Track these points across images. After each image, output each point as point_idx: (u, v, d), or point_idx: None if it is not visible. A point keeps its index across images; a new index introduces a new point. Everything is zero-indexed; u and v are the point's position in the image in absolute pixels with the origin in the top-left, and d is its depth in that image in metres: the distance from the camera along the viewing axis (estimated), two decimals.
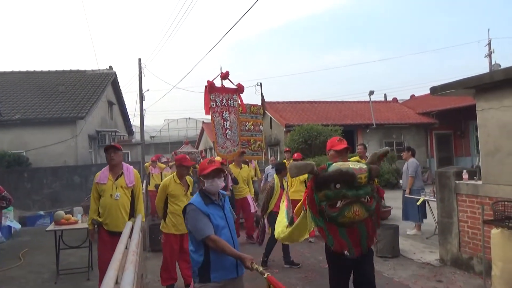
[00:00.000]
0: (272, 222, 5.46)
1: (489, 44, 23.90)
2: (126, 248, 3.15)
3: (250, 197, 7.82)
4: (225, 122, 7.71)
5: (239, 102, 8.20)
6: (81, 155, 13.58)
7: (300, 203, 3.30)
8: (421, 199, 6.96)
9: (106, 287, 1.93)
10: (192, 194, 4.89)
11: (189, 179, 5.07)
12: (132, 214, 4.47)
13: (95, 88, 15.96)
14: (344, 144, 3.54)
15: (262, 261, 5.74)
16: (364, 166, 2.79)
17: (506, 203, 4.34)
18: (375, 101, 18.84)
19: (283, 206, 4.74)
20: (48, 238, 7.07)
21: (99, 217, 4.39)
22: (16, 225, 9.06)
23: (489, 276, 4.34)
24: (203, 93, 7.60)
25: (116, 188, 4.37)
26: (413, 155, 7.65)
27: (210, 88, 7.62)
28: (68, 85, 16.27)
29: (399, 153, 16.18)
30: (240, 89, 8.20)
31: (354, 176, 2.69)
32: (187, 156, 5.59)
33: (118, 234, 4.10)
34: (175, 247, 4.86)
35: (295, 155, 7.81)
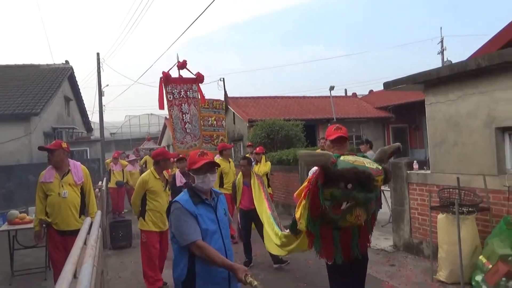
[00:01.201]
0: (241, 218, 5.58)
1: (442, 42, 25.23)
2: (84, 243, 3.12)
3: None
4: (184, 115, 7.29)
5: (199, 93, 7.68)
6: (36, 153, 12.99)
7: (302, 201, 2.84)
8: None
9: (64, 281, 1.94)
10: None
11: (167, 174, 4.94)
12: (82, 212, 4.37)
13: (51, 83, 15.28)
14: (338, 133, 3.15)
15: (244, 262, 5.37)
16: (380, 167, 2.50)
17: (451, 190, 4.67)
18: (335, 96, 19.33)
19: (264, 208, 4.55)
20: (1, 239, 6.78)
21: (48, 217, 4.23)
22: None
23: (436, 259, 4.66)
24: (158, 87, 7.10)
25: (63, 186, 4.24)
26: (371, 147, 7.98)
27: (166, 80, 7.14)
28: (21, 80, 15.48)
29: (358, 146, 16.81)
30: (199, 78, 7.68)
31: (371, 178, 2.38)
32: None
33: (69, 233, 4.10)
34: (156, 246, 4.71)
35: (257, 149, 7.92)
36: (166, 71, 7.20)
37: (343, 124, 15.83)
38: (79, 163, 4.59)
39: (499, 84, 4.25)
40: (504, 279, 3.87)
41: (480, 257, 4.19)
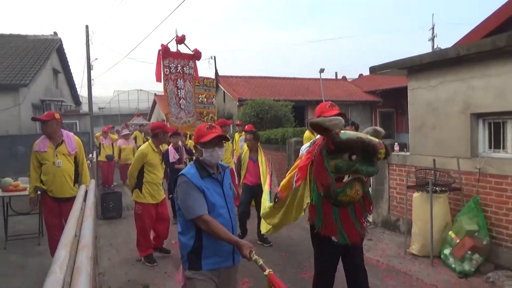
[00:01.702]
0: (243, 192, 5.47)
1: (433, 28, 25.38)
2: (81, 209, 3.33)
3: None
4: (179, 90, 7.17)
5: (195, 70, 7.52)
6: (25, 125, 12.97)
7: (289, 175, 2.84)
8: None
9: (66, 237, 2.16)
10: None
11: (164, 148, 5.09)
12: (76, 180, 4.53)
13: (39, 54, 15.07)
14: (335, 110, 3.04)
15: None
16: (381, 141, 2.41)
17: (426, 170, 4.97)
18: (325, 79, 19.50)
19: (266, 187, 4.33)
20: None
21: (43, 185, 4.39)
22: None
23: (410, 234, 5.00)
24: (156, 59, 6.89)
25: (57, 155, 4.38)
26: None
27: (165, 52, 6.94)
28: (8, 50, 15.24)
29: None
30: (197, 55, 7.54)
31: (376, 149, 2.31)
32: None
33: (64, 200, 4.29)
34: (152, 215, 4.87)
35: (247, 127, 8.11)
36: (165, 44, 7.02)
37: None
38: (72, 133, 4.71)
39: (476, 72, 4.50)
40: (469, 252, 4.23)
41: (450, 232, 4.54)
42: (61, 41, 17.75)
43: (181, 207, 2.36)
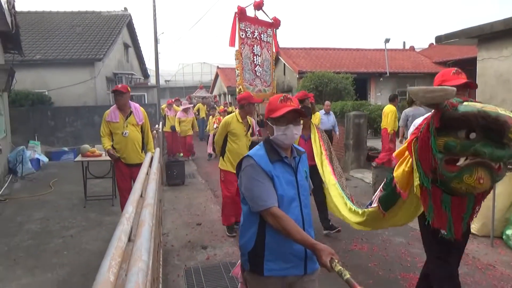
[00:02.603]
0: None
1: None
2: (147, 174, 3.68)
3: None
4: (255, 57, 6.77)
5: (274, 39, 7.10)
6: (100, 96, 14.12)
7: (405, 163, 2.38)
8: None
9: (133, 196, 2.44)
10: None
11: (250, 119, 4.96)
12: (143, 148, 4.96)
13: (111, 30, 16.10)
14: (462, 78, 2.50)
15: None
16: None
17: None
18: (391, 50, 18.55)
19: (327, 173, 4.14)
20: (74, 170, 7.79)
21: (117, 152, 4.82)
22: (44, 158, 9.85)
23: None
24: (231, 22, 6.51)
25: (127, 126, 4.78)
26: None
27: (241, 15, 6.53)
28: (84, 26, 16.42)
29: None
30: (275, 23, 7.14)
31: (507, 126, 1.73)
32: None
33: (135, 165, 4.71)
34: (234, 184, 4.75)
35: (298, 94, 8.11)
36: (242, 6, 6.63)
37: (397, 78, 15.55)
38: (138, 105, 5.12)
39: None
40: None
41: None
42: (131, 17, 18.71)
43: (246, 196, 1.95)
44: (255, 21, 6.82)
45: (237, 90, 9.23)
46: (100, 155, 6.27)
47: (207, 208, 6.10)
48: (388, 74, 16.08)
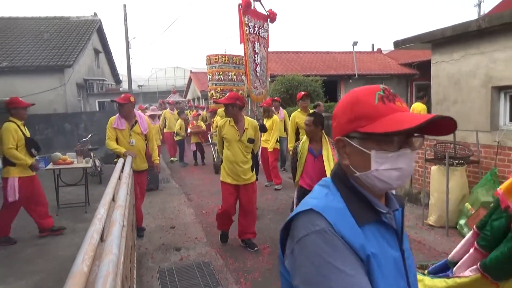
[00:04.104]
0: (300, 200, 3.56)
1: None
2: (119, 179, 3.79)
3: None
4: (256, 55, 6.07)
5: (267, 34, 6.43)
6: (70, 103, 13.93)
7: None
8: None
9: (105, 199, 2.58)
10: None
11: (250, 122, 4.40)
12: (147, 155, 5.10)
13: (81, 35, 15.89)
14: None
15: None
16: None
17: (445, 144, 5.06)
18: (359, 52, 19.13)
19: None
20: (46, 179, 7.70)
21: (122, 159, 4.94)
22: None
23: (428, 206, 5.16)
24: (237, 16, 5.78)
25: (131, 135, 4.87)
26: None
27: (246, 8, 5.76)
28: (53, 32, 16.14)
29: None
30: (272, 17, 6.51)
31: None
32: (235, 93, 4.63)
33: (140, 172, 5.00)
34: (230, 200, 4.43)
35: (276, 98, 8.32)
36: None
37: (365, 80, 16.06)
38: (143, 114, 5.22)
39: (498, 45, 4.48)
40: None
41: (466, 204, 4.66)
42: (101, 22, 18.51)
43: None
44: (255, 14, 6.08)
45: (209, 94, 9.43)
46: (72, 163, 6.29)
47: (181, 212, 6.22)
48: (357, 76, 16.59)
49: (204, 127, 11.43)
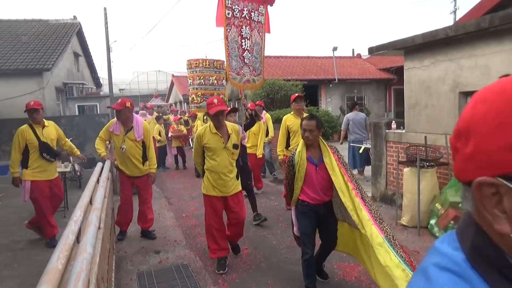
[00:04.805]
0: (301, 218, 3.38)
1: (455, 0, 24.71)
2: (97, 182, 3.82)
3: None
4: (243, 40, 5.74)
5: (266, 18, 6.07)
6: (49, 107, 13.72)
7: None
8: (363, 147, 7.90)
9: (82, 202, 2.62)
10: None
11: (232, 126, 4.08)
12: (145, 161, 5.00)
13: (60, 39, 15.70)
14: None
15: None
16: None
17: (419, 147, 5.26)
18: (339, 57, 19.50)
19: (369, 226, 2.74)
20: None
21: (118, 164, 4.93)
22: None
23: (401, 207, 5.35)
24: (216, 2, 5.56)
25: (124, 141, 4.76)
26: (351, 110, 8.50)
27: None
28: (31, 35, 15.90)
29: (360, 107, 17.22)
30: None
31: None
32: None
33: (136, 177, 4.97)
34: (218, 211, 4.07)
35: (258, 102, 8.42)
36: None
37: (345, 85, 16.36)
38: (141, 119, 5.04)
39: (464, 52, 4.71)
40: (452, 222, 4.56)
41: (436, 204, 4.86)
42: (81, 25, 18.32)
43: None
44: None
45: (190, 98, 9.49)
46: None
47: (161, 215, 6.25)
48: (337, 81, 16.90)
49: (185, 131, 11.47)
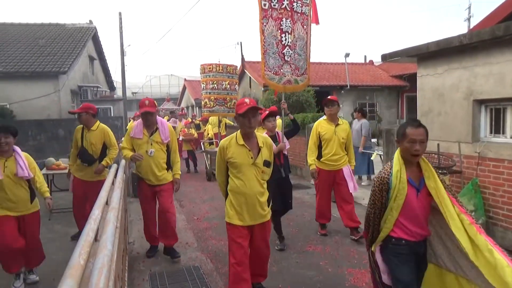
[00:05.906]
0: (398, 263, 2.51)
1: (469, 8, 24.52)
2: (112, 184, 3.90)
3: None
4: (283, 35, 4.94)
5: (312, 8, 5.35)
6: (64, 109, 13.99)
7: None
8: (375, 154, 7.88)
9: (99, 202, 2.69)
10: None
11: (264, 139, 3.27)
12: (169, 167, 4.56)
13: (76, 42, 16.04)
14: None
15: None
16: None
17: (429, 154, 5.24)
18: (352, 63, 19.49)
19: (460, 222, 2.24)
20: None
21: (139, 172, 4.48)
22: None
23: None
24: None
25: (151, 144, 4.36)
26: (363, 116, 8.47)
27: None
28: (48, 38, 16.27)
29: (371, 114, 17.19)
30: None
31: None
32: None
33: (158, 185, 4.45)
34: (244, 244, 3.18)
35: (271, 107, 8.45)
36: None
37: (357, 91, 16.41)
38: (165, 121, 4.69)
39: (479, 60, 4.69)
40: None
41: None
42: (96, 29, 18.68)
43: None
44: None
45: (203, 102, 9.58)
46: (65, 168, 6.37)
47: None
48: (348, 87, 16.89)
49: (196, 134, 11.57)
